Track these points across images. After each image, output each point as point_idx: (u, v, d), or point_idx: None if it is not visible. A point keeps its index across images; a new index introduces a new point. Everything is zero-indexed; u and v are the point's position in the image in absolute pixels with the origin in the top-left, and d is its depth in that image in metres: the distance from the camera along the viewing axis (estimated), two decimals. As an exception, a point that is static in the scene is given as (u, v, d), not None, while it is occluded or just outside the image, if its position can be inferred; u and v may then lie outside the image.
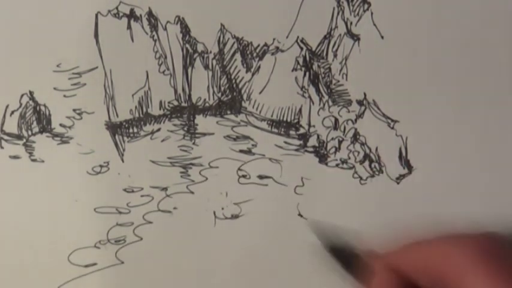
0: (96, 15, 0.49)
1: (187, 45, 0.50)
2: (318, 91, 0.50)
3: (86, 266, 0.50)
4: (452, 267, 0.30)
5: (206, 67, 0.50)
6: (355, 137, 0.50)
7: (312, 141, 0.50)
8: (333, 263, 0.36)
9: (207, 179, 0.50)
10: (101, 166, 0.50)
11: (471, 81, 0.50)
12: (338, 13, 0.50)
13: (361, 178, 0.51)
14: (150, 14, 0.49)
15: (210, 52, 0.50)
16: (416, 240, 0.33)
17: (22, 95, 0.49)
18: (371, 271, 0.33)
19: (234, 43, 0.50)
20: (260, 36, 0.50)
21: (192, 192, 0.50)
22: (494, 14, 0.50)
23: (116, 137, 0.50)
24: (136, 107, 0.50)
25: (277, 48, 0.50)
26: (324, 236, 0.36)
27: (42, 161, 0.49)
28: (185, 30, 0.49)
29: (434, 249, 0.31)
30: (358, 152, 0.50)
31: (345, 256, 0.36)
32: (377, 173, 0.51)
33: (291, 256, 0.51)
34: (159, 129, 0.50)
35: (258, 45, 0.50)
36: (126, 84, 0.49)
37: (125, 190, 0.50)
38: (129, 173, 0.50)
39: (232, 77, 0.50)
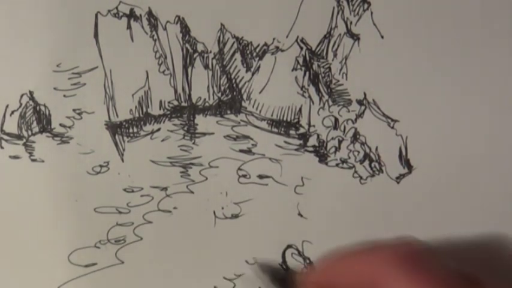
0: (96, 15, 0.49)
1: (187, 45, 0.50)
2: (318, 91, 0.50)
3: (86, 266, 0.50)
4: (375, 278, 0.30)
5: (206, 67, 0.50)
6: (355, 136, 0.50)
7: (312, 141, 0.50)
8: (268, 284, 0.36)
9: (207, 178, 0.50)
10: (101, 166, 0.50)
11: (471, 81, 0.50)
12: (338, 13, 0.50)
13: (361, 178, 0.51)
14: (150, 13, 0.49)
15: (210, 52, 0.50)
16: (342, 254, 0.34)
17: (22, 95, 0.49)
18: None
19: (234, 43, 0.50)
20: (260, 36, 0.50)
21: (192, 192, 0.50)
22: (495, 14, 0.50)
23: (116, 137, 0.50)
24: (136, 107, 0.50)
25: (277, 48, 0.50)
26: (262, 264, 0.37)
27: (42, 161, 0.49)
28: (185, 30, 0.49)
29: (359, 262, 0.32)
30: (358, 152, 0.50)
31: (280, 276, 0.37)
32: (377, 172, 0.51)
33: (291, 255, 0.51)
34: (159, 129, 0.50)
35: (258, 45, 0.50)
36: (126, 84, 0.49)
37: (124, 190, 0.50)
38: (129, 173, 0.50)
39: (232, 76, 0.50)
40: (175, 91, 0.50)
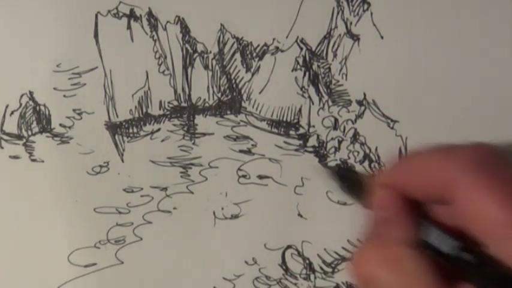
0: (96, 15, 0.49)
1: (187, 45, 0.50)
2: (317, 91, 0.50)
3: (86, 266, 0.50)
4: (445, 179, 0.30)
5: (206, 67, 0.50)
6: (355, 137, 0.50)
7: (312, 141, 0.50)
8: (343, 194, 0.35)
9: (206, 179, 0.50)
10: (101, 166, 0.50)
11: (471, 81, 0.50)
12: (338, 13, 0.50)
13: (361, 178, 0.51)
14: (150, 14, 0.49)
15: (210, 52, 0.50)
16: (412, 155, 0.33)
17: (22, 95, 0.49)
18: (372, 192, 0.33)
19: (234, 43, 0.50)
20: (260, 36, 0.50)
21: (192, 192, 0.50)
22: (495, 14, 0.50)
23: (116, 137, 0.50)
24: (136, 107, 0.50)
25: (277, 48, 0.50)
26: (332, 170, 0.36)
27: (42, 161, 0.49)
28: (185, 30, 0.49)
29: (429, 163, 0.31)
30: (358, 152, 0.50)
31: (352, 182, 0.36)
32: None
33: (291, 256, 0.51)
34: (159, 129, 0.50)
35: (258, 45, 0.50)
36: (126, 84, 0.49)
37: (124, 190, 0.50)
38: (129, 173, 0.50)
39: (232, 77, 0.50)
40: (175, 91, 0.50)
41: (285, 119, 0.50)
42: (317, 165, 0.49)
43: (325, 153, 0.50)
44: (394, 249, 0.30)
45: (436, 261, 0.30)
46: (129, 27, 0.49)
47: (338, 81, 0.50)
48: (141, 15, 0.49)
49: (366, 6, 0.49)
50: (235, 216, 0.50)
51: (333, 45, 0.50)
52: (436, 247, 0.31)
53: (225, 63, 0.50)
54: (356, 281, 0.31)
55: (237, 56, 0.50)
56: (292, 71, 0.50)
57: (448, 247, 0.30)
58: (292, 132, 0.50)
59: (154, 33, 0.49)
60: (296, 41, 0.50)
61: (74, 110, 0.49)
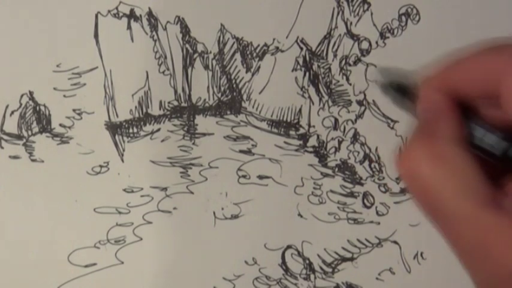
0: (96, 15, 0.49)
1: (187, 45, 0.50)
2: (317, 91, 0.50)
3: (86, 266, 0.50)
4: (491, 74, 0.29)
5: (206, 67, 0.50)
6: (355, 137, 0.50)
7: (312, 141, 0.50)
8: (393, 99, 0.34)
9: (206, 179, 0.50)
10: (101, 166, 0.50)
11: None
12: (338, 13, 0.50)
13: (361, 178, 0.51)
14: (150, 14, 0.49)
15: (210, 52, 0.50)
16: (459, 54, 0.32)
17: (22, 95, 0.49)
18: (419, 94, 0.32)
19: (234, 43, 0.50)
20: (260, 36, 0.50)
21: (192, 193, 0.50)
22: (495, 14, 0.50)
23: (116, 137, 0.50)
24: (136, 107, 0.50)
25: (277, 48, 0.50)
26: (384, 74, 0.35)
27: (42, 161, 0.49)
28: (185, 30, 0.49)
29: (475, 59, 0.30)
30: (358, 152, 0.50)
31: (403, 88, 0.35)
32: (377, 173, 0.51)
33: (291, 256, 0.51)
34: (159, 130, 0.50)
35: (258, 45, 0.50)
36: (126, 84, 0.49)
37: (124, 190, 0.50)
38: (129, 173, 0.50)
39: (232, 77, 0.50)
40: (175, 91, 0.50)
41: (285, 119, 0.50)
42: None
43: (325, 153, 0.50)
44: (442, 146, 0.29)
45: (483, 161, 0.29)
46: (129, 27, 0.49)
47: (338, 81, 0.50)
48: (141, 15, 0.49)
49: (366, 7, 0.49)
50: (235, 216, 0.50)
51: (333, 45, 0.50)
52: (484, 145, 0.30)
53: (225, 63, 0.50)
54: (401, 176, 0.30)
55: (237, 56, 0.50)
56: (292, 71, 0.50)
57: (496, 145, 0.30)
58: (292, 132, 0.50)
59: (154, 33, 0.49)
60: (296, 41, 0.50)
61: (74, 110, 0.49)
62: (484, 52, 0.31)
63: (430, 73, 0.32)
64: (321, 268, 0.51)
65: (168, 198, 0.50)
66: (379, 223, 0.51)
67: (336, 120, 0.50)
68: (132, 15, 0.49)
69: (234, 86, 0.50)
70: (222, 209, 0.50)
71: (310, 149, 0.50)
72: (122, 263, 0.50)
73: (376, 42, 0.50)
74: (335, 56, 0.50)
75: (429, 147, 0.29)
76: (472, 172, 0.28)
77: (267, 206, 0.50)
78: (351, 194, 0.51)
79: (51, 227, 0.50)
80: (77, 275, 0.50)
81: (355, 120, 0.50)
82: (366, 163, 0.51)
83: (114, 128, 0.50)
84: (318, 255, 0.51)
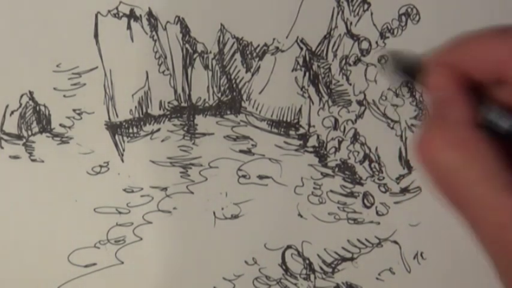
0: (96, 15, 0.49)
1: (187, 45, 0.49)
2: (317, 91, 0.50)
3: (86, 266, 0.50)
4: (499, 59, 0.29)
5: (206, 67, 0.50)
6: (355, 137, 0.50)
7: (312, 141, 0.50)
8: (401, 77, 0.34)
9: (206, 179, 0.50)
10: (101, 166, 0.50)
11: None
12: (338, 13, 0.49)
13: (361, 178, 0.51)
14: (150, 14, 0.49)
15: (210, 52, 0.50)
16: (466, 35, 0.31)
17: (22, 95, 0.49)
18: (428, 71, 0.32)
19: (234, 43, 0.50)
20: (260, 36, 0.50)
21: (192, 192, 0.50)
22: (495, 14, 0.50)
23: (116, 137, 0.50)
24: (136, 107, 0.50)
25: (277, 48, 0.50)
26: (393, 55, 0.34)
27: (42, 161, 0.49)
28: (185, 30, 0.49)
29: (483, 42, 0.30)
30: (358, 152, 0.50)
31: (412, 66, 0.34)
32: (377, 173, 0.51)
33: (291, 256, 0.51)
34: (159, 129, 0.50)
35: (258, 45, 0.50)
36: (126, 84, 0.49)
37: (124, 190, 0.50)
38: (129, 173, 0.50)
39: (232, 77, 0.50)
40: (175, 91, 0.50)
41: (285, 119, 0.50)
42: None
43: (325, 153, 0.50)
44: (458, 131, 0.29)
45: (500, 143, 0.29)
46: (129, 27, 0.49)
47: (338, 81, 0.50)
48: (141, 15, 0.49)
49: (366, 6, 0.49)
50: (235, 216, 0.50)
51: (333, 45, 0.50)
52: (498, 127, 0.29)
53: (225, 63, 0.50)
54: (421, 166, 0.30)
55: (237, 56, 0.50)
56: (292, 71, 0.50)
57: (510, 126, 0.29)
58: (292, 132, 0.50)
59: (154, 33, 0.49)
60: (296, 41, 0.50)
61: (74, 110, 0.49)
62: (492, 34, 0.30)
63: (439, 52, 0.32)
64: (321, 268, 0.51)
65: (168, 198, 0.50)
66: (379, 223, 0.51)
67: (336, 120, 0.50)
68: (132, 15, 0.49)
69: (234, 86, 0.50)
70: (222, 209, 0.50)
71: (310, 149, 0.50)
72: (122, 263, 0.50)
73: (376, 42, 0.50)
74: (335, 56, 0.50)
75: (446, 133, 0.29)
76: (492, 156, 0.28)
77: (267, 206, 0.50)
78: (351, 194, 0.51)
79: (51, 227, 0.50)
80: (77, 275, 0.50)
81: (355, 120, 0.50)
82: (366, 163, 0.51)
83: (114, 128, 0.50)
84: (318, 255, 0.51)
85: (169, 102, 0.50)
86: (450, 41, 0.32)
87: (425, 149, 0.29)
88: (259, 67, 0.50)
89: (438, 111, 0.30)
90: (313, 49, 0.50)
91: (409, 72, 0.33)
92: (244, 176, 0.50)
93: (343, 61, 0.50)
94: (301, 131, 0.50)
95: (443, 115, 0.30)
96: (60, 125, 0.49)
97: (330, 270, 0.51)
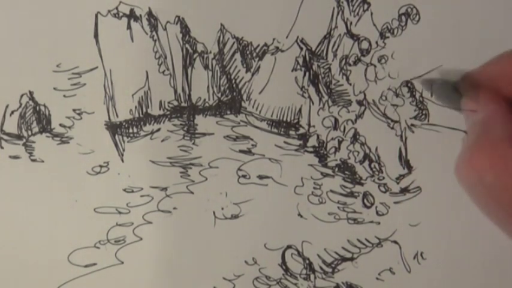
0: (96, 15, 0.49)
1: (187, 45, 0.50)
2: (317, 91, 0.50)
3: (86, 266, 0.50)
4: None
5: (206, 67, 0.50)
6: (355, 137, 0.50)
7: (312, 141, 0.50)
8: (441, 103, 0.34)
9: (206, 179, 0.50)
10: (101, 166, 0.50)
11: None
12: (338, 13, 0.50)
13: (360, 178, 0.51)
14: (150, 14, 0.49)
15: (210, 52, 0.50)
16: (502, 56, 0.31)
17: (22, 95, 0.49)
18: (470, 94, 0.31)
19: (234, 43, 0.50)
20: (260, 36, 0.50)
21: (192, 192, 0.50)
22: (496, 14, 0.50)
23: (116, 137, 0.50)
24: (136, 107, 0.50)
25: (277, 48, 0.50)
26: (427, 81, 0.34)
27: (42, 161, 0.49)
28: (185, 30, 0.49)
29: None
30: (358, 152, 0.50)
31: (447, 89, 0.34)
32: (377, 173, 0.51)
33: (291, 256, 0.51)
34: (158, 130, 0.50)
35: (258, 45, 0.50)
36: (126, 84, 0.49)
37: (124, 190, 0.50)
38: (129, 173, 0.50)
39: (232, 77, 0.50)
40: (175, 91, 0.50)
41: (285, 119, 0.50)
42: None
43: (325, 153, 0.50)
44: (502, 149, 0.28)
45: None
46: (129, 27, 0.49)
47: (338, 81, 0.50)
48: (141, 15, 0.49)
49: (365, 6, 0.49)
50: (235, 216, 0.51)
51: (333, 45, 0.50)
52: None
53: (225, 63, 0.50)
54: (463, 186, 0.29)
55: (237, 56, 0.50)
56: (292, 71, 0.50)
57: None
58: (292, 132, 0.50)
59: (154, 33, 0.49)
60: (296, 41, 0.50)
61: (74, 110, 0.49)
62: None
63: (476, 75, 0.32)
64: (321, 268, 0.51)
65: (168, 198, 0.50)
66: (379, 223, 0.51)
67: (336, 120, 0.50)
68: (132, 15, 0.49)
69: (234, 86, 0.50)
70: (222, 208, 0.50)
71: (310, 149, 0.50)
72: (122, 263, 0.50)
73: (376, 42, 0.50)
74: (335, 56, 0.50)
75: (489, 151, 0.28)
76: None
77: (267, 206, 0.51)
78: (351, 194, 0.51)
79: (51, 227, 0.50)
80: (77, 275, 0.50)
81: (355, 120, 0.50)
82: (366, 163, 0.51)
83: (114, 128, 0.50)
84: (318, 255, 0.51)
85: (169, 102, 0.50)
86: (490, 60, 0.32)
87: (467, 168, 0.29)
88: (259, 67, 0.50)
89: (479, 130, 0.30)
90: (313, 49, 0.50)
91: (451, 89, 0.33)
92: (244, 176, 0.50)
93: (343, 61, 0.50)
94: (301, 131, 0.50)
95: (484, 134, 0.29)
96: (60, 125, 0.49)
97: (330, 270, 0.51)
